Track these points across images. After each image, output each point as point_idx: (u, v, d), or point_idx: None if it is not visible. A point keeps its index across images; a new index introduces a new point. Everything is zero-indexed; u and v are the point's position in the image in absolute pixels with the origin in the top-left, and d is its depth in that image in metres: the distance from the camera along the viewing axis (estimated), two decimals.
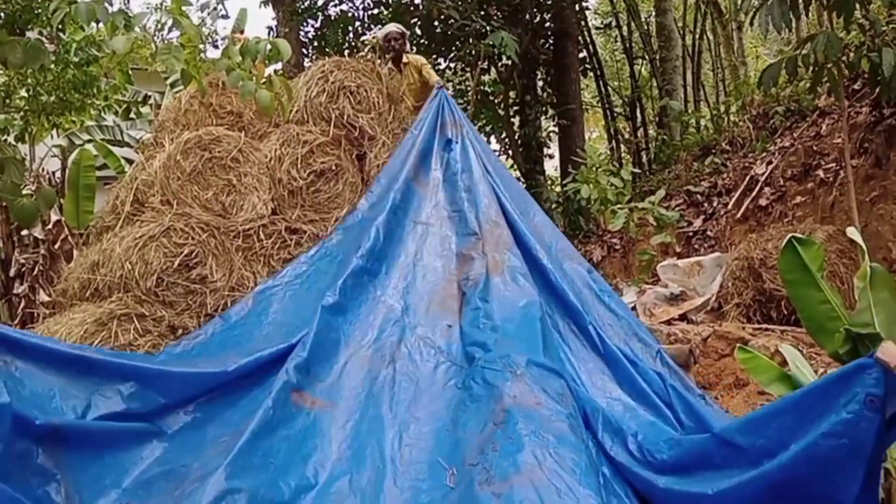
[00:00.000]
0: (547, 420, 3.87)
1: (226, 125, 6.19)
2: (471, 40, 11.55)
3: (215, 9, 14.44)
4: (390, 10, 12.52)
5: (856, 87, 8.62)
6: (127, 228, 5.62)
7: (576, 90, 13.86)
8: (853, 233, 4.10)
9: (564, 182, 11.33)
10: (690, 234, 9.92)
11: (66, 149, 11.08)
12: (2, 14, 6.25)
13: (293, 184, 6.00)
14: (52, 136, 10.44)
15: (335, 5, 13.48)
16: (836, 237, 6.83)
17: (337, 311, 4.64)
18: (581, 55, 14.49)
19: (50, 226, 9.58)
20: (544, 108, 14.15)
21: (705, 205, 10.26)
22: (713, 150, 11.27)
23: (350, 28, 13.24)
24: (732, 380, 5.47)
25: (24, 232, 9.53)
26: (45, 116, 8.25)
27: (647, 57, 15.75)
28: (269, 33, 13.64)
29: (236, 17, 11.24)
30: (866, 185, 7.64)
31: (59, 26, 6.61)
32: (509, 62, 12.24)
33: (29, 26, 6.53)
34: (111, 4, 4.74)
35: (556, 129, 14.38)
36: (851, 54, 6.99)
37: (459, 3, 11.42)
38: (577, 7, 14.00)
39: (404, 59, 6.95)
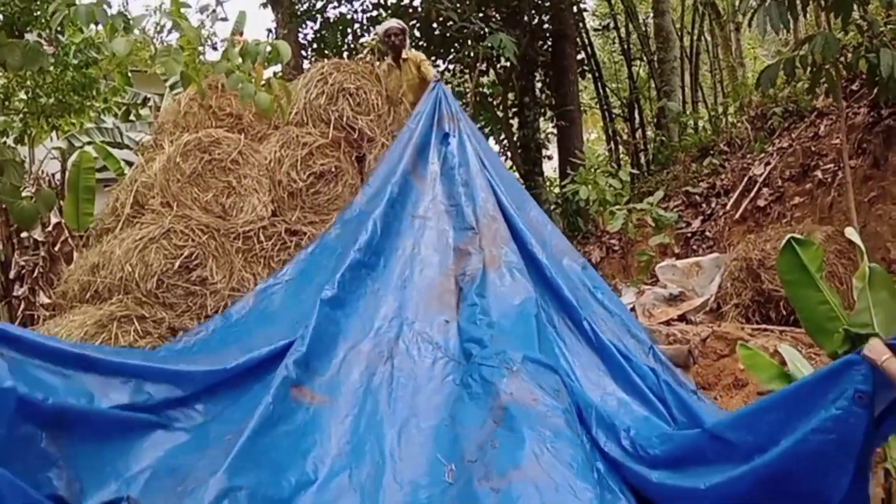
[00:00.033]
0: (543, 416, 3.90)
1: (225, 127, 6.20)
2: (469, 42, 11.56)
3: (214, 11, 14.43)
4: (389, 12, 12.52)
5: (854, 87, 8.64)
6: (127, 230, 5.63)
7: (574, 92, 13.86)
8: (851, 233, 4.11)
9: (563, 183, 11.34)
10: (689, 234, 9.93)
11: (66, 151, 11.08)
12: (1, 16, 6.26)
13: (293, 185, 6.01)
14: (51, 139, 10.46)
15: (334, 7, 13.48)
16: (835, 237, 6.83)
17: (336, 305, 4.65)
18: (579, 57, 14.49)
19: (50, 228, 9.58)
20: (543, 110, 14.16)
21: (704, 206, 10.27)
22: (711, 151, 11.28)
23: (349, 30, 13.25)
24: (731, 380, 5.48)
25: (24, 234, 9.52)
26: (45, 118, 8.27)
27: (645, 58, 15.76)
28: (268, 35, 13.66)
29: (235, 19, 11.23)
30: (864, 185, 7.65)
31: (59, 28, 6.62)
32: (508, 64, 12.24)
33: (28, 28, 6.55)
34: (110, 6, 4.75)
35: (555, 131, 14.39)
36: (849, 55, 7.00)
37: (458, 5, 11.43)
38: (575, 9, 14.01)
39: (403, 55, 6.95)
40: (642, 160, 14.65)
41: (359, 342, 4.58)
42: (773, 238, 7.17)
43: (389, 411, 4.19)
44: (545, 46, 13.80)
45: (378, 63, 7.05)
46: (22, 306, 9.35)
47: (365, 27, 13.15)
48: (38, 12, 6.40)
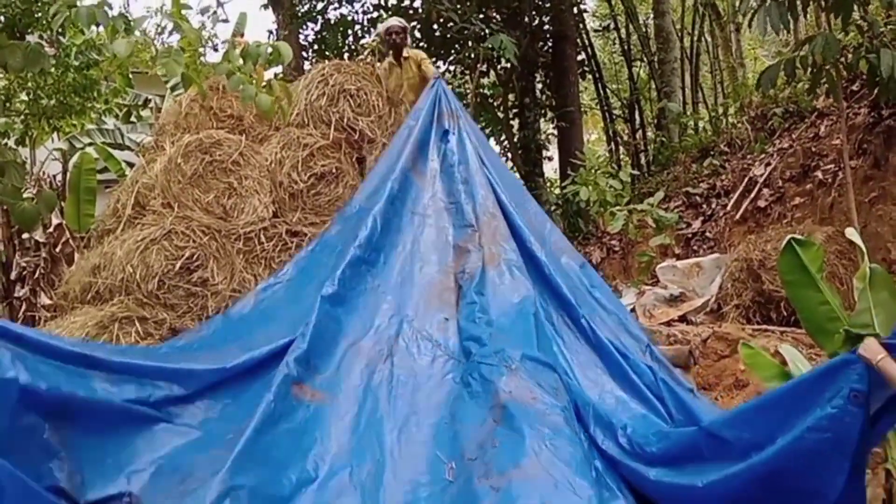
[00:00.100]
0: (542, 414, 3.92)
1: (226, 128, 6.21)
2: (470, 43, 11.56)
3: (215, 13, 14.48)
4: (389, 13, 12.52)
5: (854, 88, 8.63)
6: (128, 231, 5.64)
7: (574, 92, 13.87)
8: (852, 234, 4.11)
9: (564, 184, 11.34)
10: (689, 235, 9.93)
11: (67, 152, 11.10)
12: (2, 18, 6.27)
13: (294, 187, 6.02)
14: (52, 140, 10.48)
15: (335, 9, 13.49)
16: (836, 238, 6.83)
17: (336, 302, 4.65)
18: (580, 58, 14.49)
19: (51, 229, 9.59)
20: (543, 111, 14.16)
21: (704, 206, 10.26)
22: (712, 152, 11.27)
23: (350, 31, 13.25)
24: (732, 381, 5.48)
25: (25, 235, 9.53)
26: (46, 120, 8.28)
27: (645, 59, 15.77)
28: (269, 37, 13.68)
29: (236, 20, 11.28)
30: (865, 185, 7.65)
31: (60, 30, 6.64)
32: (508, 65, 12.25)
33: (29, 30, 6.56)
34: (111, 8, 4.76)
35: (555, 132, 14.40)
36: (850, 55, 7.00)
37: (458, 6, 11.44)
38: (575, 10, 14.02)
39: (404, 54, 6.94)
40: (643, 161, 14.66)
41: (359, 340, 4.59)
42: (773, 239, 7.17)
43: (389, 409, 4.20)
44: (545, 47, 13.80)
45: (379, 64, 7.05)
46: (23, 307, 9.36)
47: (365, 28, 13.16)
48: (40, 14, 6.41)
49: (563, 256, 5.55)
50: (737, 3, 10.93)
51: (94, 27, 4.92)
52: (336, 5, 13.43)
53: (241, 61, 4.74)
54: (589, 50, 15.18)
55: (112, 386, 3.74)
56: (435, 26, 11.96)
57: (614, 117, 16.31)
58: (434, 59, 12.34)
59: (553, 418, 3.92)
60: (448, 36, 11.88)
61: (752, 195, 9.25)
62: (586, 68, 15.01)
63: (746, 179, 9.58)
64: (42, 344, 3.58)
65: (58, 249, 9.55)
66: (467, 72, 12.90)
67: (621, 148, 16.04)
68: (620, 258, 10.75)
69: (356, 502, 3.65)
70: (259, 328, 4.70)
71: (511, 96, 13.76)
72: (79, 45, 8.27)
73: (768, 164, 9.42)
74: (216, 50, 14.44)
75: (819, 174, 8.38)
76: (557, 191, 13.63)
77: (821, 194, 8.25)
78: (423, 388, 4.34)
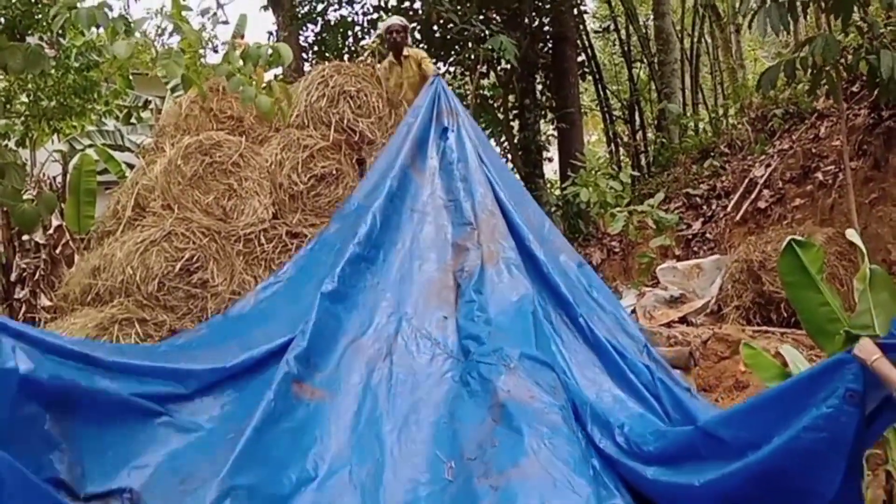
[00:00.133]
0: (540, 413, 3.93)
1: (226, 130, 6.21)
2: (470, 44, 11.56)
3: (215, 14, 14.44)
4: (389, 14, 12.52)
5: (854, 89, 8.63)
6: (128, 233, 5.64)
7: (575, 94, 13.87)
8: (852, 235, 4.12)
9: (564, 185, 11.34)
10: (690, 236, 9.92)
11: (67, 154, 11.10)
12: (2, 19, 6.26)
13: (294, 188, 6.02)
14: (52, 141, 10.48)
15: (335, 10, 13.48)
16: (836, 239, 6.84)
17: (336, 299, 4.65)
18: (580, 59, 14.49)
19: (51, 231, 9.59)
20: (543, 112, 14.16)
21: (704, 207, 10.26)
22: (712, 153, 11.27)
23: (350, 33, 13.25)
24: (732, 382, 5.49)
25: (25, 237, 9.53)
26: (46, 121, 8.28)
27: (645, 60, 15.77)
28: (269, 38, 13.66)
29: (236, 22, 11.29)
30: (865, 187, 7.64)
31: (60, 31, 6.64)
32: (508, 66, 12.25)
33: (29, 31, 6.55)
34: (111, 10, 4.75)
35: (556, 133, 14.40)
36: (850, 57, 7.01)
37: (458, 7, 11.44)
38: (575, 11, 14.01)
39: (405, 52, 6.94)
40: (643, 162, 14.66)
41: (358, 337, 4.59)
42: (773, 240, 7.18)
43: (389, 408, 4.19)
44: (546, 49, 13.80)
45: (379, 65, 7.05)
46: (23, 309, 9.36)
47: (365, 30, 13.16)
48: (40, 15, 6.41)
49: (562, 255, 5.56)
50: (737, 5, 10.93)
51: (94, 29, 4.91)
52: (336, 7, 13.43)
53: (241, 63, 4.73)
54: (589, 51, 15.18)
55: (113, 381, 3.74)
56: (435, 27, 11.96)
57: (614, 118, 16.31)
58: (434, 61, 12.31)
59: (551, 417, 3.93)
60: (448, 37, 11.88)
61: (753, 196, 9.25)
62: (586, 69, 15.01)
63: (747, 181, 9.58)
64: (42, 341, 3.57)
65: (58, 251, 9.55)
66: (467, 73, 12.91)
67: (621, 149, 16.05)
68: (621, 259, 10.74)
69: (356, 502, 3.65)
70: (258, 327, 4.69)
71: (511, 97, 13.76)
72: (79, 47, 8.27)
73: (768, 165, 9.42)
74: (216, 51, 14.43)
75: (819, 175, 8.38)
76: (558, 192, 13.63)
77: (821, 195, 8.25)
78: (422, 387, 4.34)
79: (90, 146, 10.97)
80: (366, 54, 7.75)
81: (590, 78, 15.57)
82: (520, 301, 4.80)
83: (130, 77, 11.11)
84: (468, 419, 4.01)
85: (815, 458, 2.95)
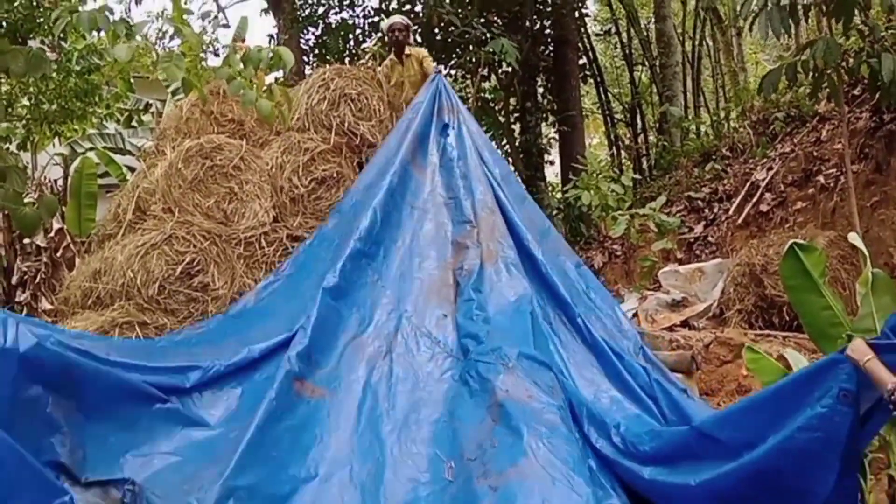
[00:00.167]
0: (539, 412, 3.94)
1: (227, 133, 6.20)
2: (471, 47, 11.56)
3: (216, 17, 14.45)
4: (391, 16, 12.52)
5: (856, 92, 8.63)
6: (129, 236, 5.63)
7: (576, 97, 13.87)
8: (854, 238, 4.12)
9: (565, 188, 11.34)
10: (691, 240, 9.91)
11: (68, 157, 11.08)
12: (4, 23, 6.27)
13: (294, 191, 6.01)
14: (53, 145, 10.45)
15: (336, 13, 13.49)
16: (838, 243, 6.84)
17: (337, 294, 4.66)
18: (581, 62, 14.50)
19: (52, 234, 9.58)
20: (545, 115, 14.16)
21: (706, 211, 10.25)
22: (713, 156, 11.27)
23: (351, 36, 13.25)
24: (735, 386, 5.48)
25: (26, 240, 9.52)
26: (47, 125, 8.27)
27: (646, 63, 15.77)
28: (269, 41, 13.68)
29: (237, 25, 11.28)
30: (867, 190, 7.64)
31: (61, 35, 6.63)
32: (509, 69, 12.25)
33: (31, 35, 6.55)
34: (112, 13, 4.76)
35: (557, 136, 14.40)
36: (851, 60, 7.01)
37: (460, 10, 11.45)
38: (576, 14, 14.03)
39: (406, 51, 6.94)
40: (644, 165, 14.65)
41: (359, 335, 4.61)
42: (775, 243, 7.17)
43: (389, 407, 4.21)
44: (547, 51, 13.81)
45: (379, 68, 7.04)
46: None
47: (366, 32, 13.16)
48: (41, 19, 6.41)
49: (560, 255, 5.58)
50: (738, 8, 10.93)
51: (95, 32, 4.91)
52: (337, 9, 13.44)
53: (241, 66, 4.73)
54: (590, 54, 15.18)
55: (115, 367, 3.74)
56: (436, 30, 11.96)
57: (616, 121, 16.31)
58: (435, 63, 12.34)
59: (549, 417, 3.95)
60: (449, 40, 11.88)
61: (755, 200, 9.24)
62: (587, 72, 15.02)
63: (748, 184, 9.57)
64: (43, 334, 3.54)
65: (59, 254, 9.54)
66: (468, 76, 12.90)
67: (623, 152, 16.04)
68: (622, 263, 10.73)
69: (357, 501, 3.65)
70: (258, 324, 4.70)
71: (512, 100, 13.75)
72: (80, 50, 8.26)
73: (770, 168, 9.41)
74: (217, 55, 14.42)
75: (821, 178, 8.37)
76: (559, 195, 13.61)
77: (823, 199, 8.24)
78: (422, 386, 4.36)
79: (91, 149, 10.96)
80: (367, 57, 7.74)
81: (591, 81, 15.58)
82: (518, 301, 4.81)
83: (131, 80, 11.10)
84: (468, 418, 4.02)
85: (810, 458, 2.98)
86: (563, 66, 13.66)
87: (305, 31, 13.50)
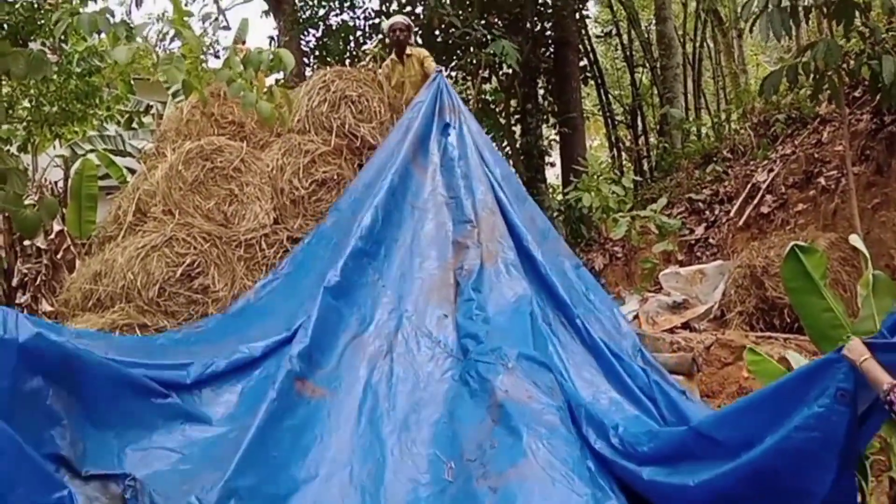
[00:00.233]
0: (538, 413, 3.95)
1: (227, 135, 6.20)
2: (472, 49, 11.56)
3: (217, 19, 14.46)
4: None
5: (856, 94, 8.63)
6: (129, 238, 5.63)
7: (577, 98, 13.86)
8: (855, 240, 4.11)
9: (566, 190, 11.33)
10: (692, 242, 9.90)
11: (69, 159, 11.09)
12: (5, 25, 6.28)
13: (295, 193, 6.01)
14: (54, 147, 10.48)
15: (336, 15, 13.48)
16: (839, 244, 6.83)
17: (338, 293, 4.66)
18: (582, 63, 14.49)
19: (52, 236, 9.57)
20: (545, 117, 14.14)
21: (707, 213, 10.24)
22: (714, 158, 11.26)
23: (351, 37, 13.24)
24: (736, 388, 5.47)
25: (27, 242, 9.52)
26: (48, 127, 8.28)
27: (647, 65, 15.77)
28: (270, 43, 13.68)
29: (238, 27, 11.25)
30: (868, 192, 7.63)
31: (62, 37, 6.64)
32: (510, 71, 12.25)
33: (32, 37, 6.56)
34: (113, 15, 4.76)
35: (558, 138, 14.38)
36: (852, 62, 7.01)
37: (460, 12, 11.44)
38: (577, 16, 14.01)
39: (407, 51, 6.94)
40: (645, 167, 14.65)
41: (359, 334, 4.60)
42: (776, 245, 7.16)
43: (389, 407, 4.21)
44: (547, 53, 13.79)
45: (380, 70, 7.05)
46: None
47: (367, 34, 13.15)
48: (42, 21, 6.43)
49: (560, 256, 5.57)
50: (739, 9, 10.94)
51: (95, 34, 4.92)
52: (337, 11, 13.43)
53: (241, 68, 4.73)
54: (591, 56, 15.18)
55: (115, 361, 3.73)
56: (437, 32, 11.96)
57: (616, 123, 16.31)
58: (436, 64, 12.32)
59: (549, 417, 3.95)
60: (450, 42, 11.87)
61: (755, 201, 9.23)
62: (588, 74, 15.00)
63: (749, 186, 9.56)
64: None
65: (59, 256, 9.53)
66: (469, 78, 12.90)
67: (624, 154, 16.03)
68: (623, 265, 10.72)
69: (357, 502, 3.65)
70: (257, 322, 4.70)
71: (513, 102, 13.74)
72: (81, 52, 8.28)
73: (771, 170, 9.41)
74: (218, 57, 14.43)
75: (822, 180, 8.36)
76: (560, 197, 13.60)
77: (824, 201, 8.23)
78: (422, 386, 4.36)
79: (92, 151, 10.95)
80: (367, 59, 7.74)
81: (592, 83, 15.56)
82: (518, 301, 4.82)
83: (132, 82, 11.12)
84: (468, 419, 4.03)
85: (808, 457, 2.99)
86: (563, 67, 13.65)
87: (306, 33, 13.49)
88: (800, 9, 6.54)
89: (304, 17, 13.38)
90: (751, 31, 7.21)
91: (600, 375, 4.64)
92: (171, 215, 5.62)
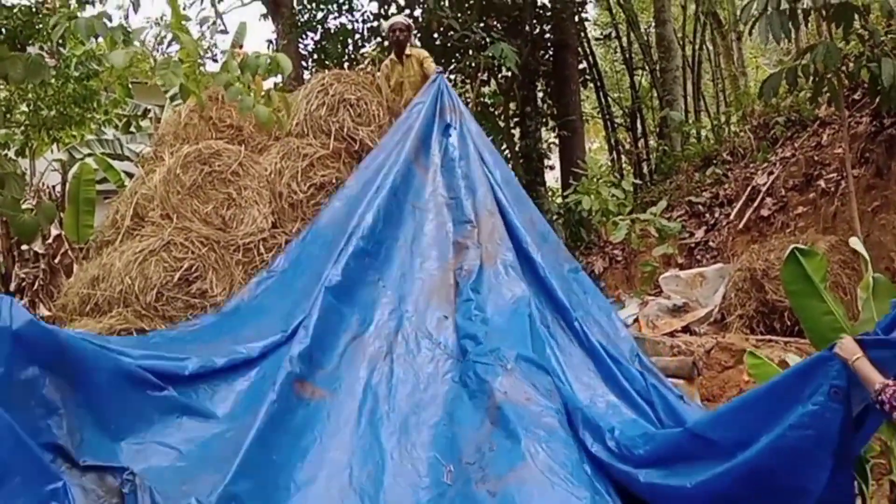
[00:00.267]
0: (537, 415, 3.94)
1: (225, 139, 6.18)
2: (471, 52, 11.56)
3: (214, 23, 14.47)
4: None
5: (856, 97, 8.62)
6: (127, 243, 5.61)
7: (576, 101, 13.86)
8: (855, 243, 4.11)
9: (566, 193, 11.31)
10: (692, 245, 9.90)
11: (67, 163, 11.10)
12: (3, 29, 6.27)
13: (293, 197, 5.99)
14: (52, 151, 10.48)
15: (335, 18, 13.46)
16: (839, 247, 6.82)
17: (339, 293, 4.65)
18: (581, 66, 14.49)
19: (50, 240, 9.58)
20: (545, 120, 14.14)
21: (707, 215, 10.24)
22: (714, 161, 11.26)
23: (350, 41, 13.24)
24: (736, 392, 5.45)
25: (25, 246, 9.52)
26: (46, 131, 8.28)
27: (647, 68, 15.77)
28: (268, 46, 13.67)
29: (235, 31, 11.25)
30: (868, 194, 7.63)
31: (60, 41, 6.64)
32: (509, 74, 12.25)
33: (30, 41, 6.56)
34: (110, 19, 4.75)
35: (557, 141, 14.37)
36: (851, 64, 7.00)
37: (459, 14, 11.44)
38: (576, 18, 14.01)
39: (407, 52, 6.92)
40: (645, 170, 14.64)
41: (359, 334, 4.59)
42: (776, 248, 7.16)
43: (389, 409, 4.20)
44: (546, 56, 13.79)
45: (379, 73, 7.04)
46: None
47: (366, 37, 13.15)
48: (40, 25, 6.42)
49: (559, 259, 5.56)
50: (738, 12, 10.93)
51: (93, 38, 4.91)
52: (336, 15, 13.41)
53: (239, 72, 4.72)
54: (590, 58, 15.18)
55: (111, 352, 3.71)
56: (435, 35, 11.95)
57: (616, 126, 16.31)
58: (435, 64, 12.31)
59: (547, 420, 3.95)
60: (449, 44, 11.86)
61: (755, 204, 9.23)
62: (587, 77, 15.01)
63: (749, 188, 9.56)
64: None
65: (57, 261, 9.54)
66: (468, 80, 12.89)
67: (623, 157, 16.03)
68: (623, 268, 10.71)
69: None
70: (252, 321, 4.69)
71: (512, 105, 13.74)
72: (79, 56, 8.28)
73: (771, 172, 9.40)
74: (215, 60, 14.44)
75: (822, 183, 8.36)
76: (559, 200, 13.59)
77: (823, 203, 8.23)
78: (422, 388, 4.36)
79: (89, 155, 10.97)
80: (366, 62, 7.73)
81: (591, 85, 15.57)
82: (516, 302, 4.82)
83: (129, 86, 11.12)
84: (466, 421, 4.02)
85: (802, 455, 3.00)
86: (562, 70, 13.65)
87: (304, 37, 13.48)
88: (799, 11, 6.53)
89: (302, 20, 13.36)
90: (750, 33, 7.21)
91: (598, 379, 4.63)
92: (168, 219, 5.60)
